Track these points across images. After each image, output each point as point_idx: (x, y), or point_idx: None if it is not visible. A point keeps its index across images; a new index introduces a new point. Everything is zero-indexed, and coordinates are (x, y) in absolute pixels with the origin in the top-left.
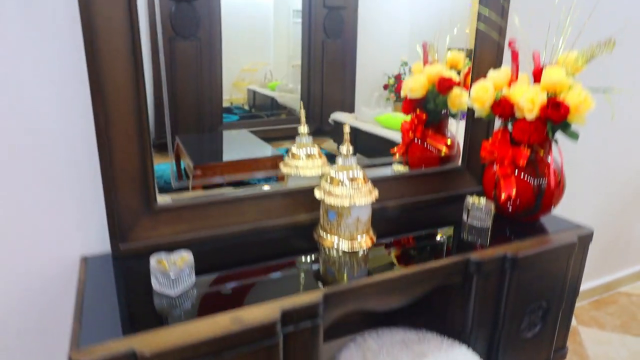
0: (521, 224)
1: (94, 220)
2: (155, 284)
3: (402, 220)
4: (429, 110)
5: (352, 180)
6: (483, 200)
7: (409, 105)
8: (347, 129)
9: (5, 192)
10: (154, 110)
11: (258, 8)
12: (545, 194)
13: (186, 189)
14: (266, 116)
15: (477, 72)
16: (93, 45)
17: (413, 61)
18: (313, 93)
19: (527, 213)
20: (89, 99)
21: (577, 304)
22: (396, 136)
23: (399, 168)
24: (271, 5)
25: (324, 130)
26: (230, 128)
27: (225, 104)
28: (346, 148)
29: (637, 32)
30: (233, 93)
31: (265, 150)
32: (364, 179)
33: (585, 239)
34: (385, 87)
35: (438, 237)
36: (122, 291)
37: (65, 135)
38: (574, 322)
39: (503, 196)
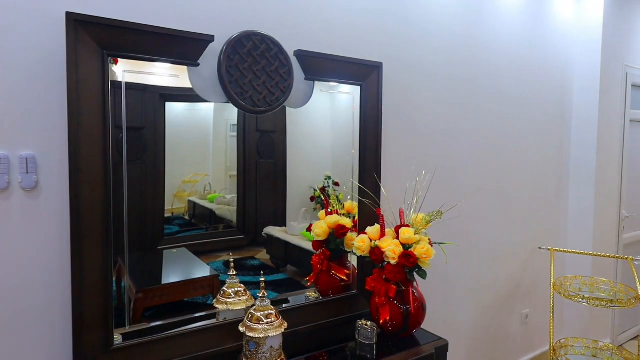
0: (398, 339)
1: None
2: None
3: (313, 339)
4: (331, 249)
5: (266, 317)
6: (369, 323)
7: (317, 244)
8: (262, 283)
9: None
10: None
11: (199, 122)
12: (410, 316)
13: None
14: (205, 229)
15: (362, 223)
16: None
17: (335, 175)
18: (248, 208)
19: (401, 331)
20: (64, 269)
21: None
22: None
23: (311, 294)
24: (211, 119)
25: (259, 241)
26: (171, 241)
27: (167, 214)
28: (262, 293)
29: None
30: (175, 203)
31: (203, 270)
32: (275, 315)
33: (442, 348)
34: (312, 199)
35: (334, 355)
36: None
37: (43, 298)
38: None
39: (381, 320)
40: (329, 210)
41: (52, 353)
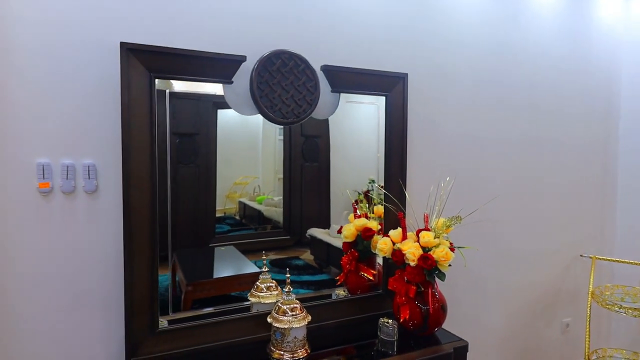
0: (419, 337)
1: (116, 340)
2: None
3: (341, 334)
4: (359, 250)
5: (291, 310)
6: (390, 320)
7: (346, 246)
8: (288, 279)
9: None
10: (159, 227)
11: (249, 127)
12: (429, 316)
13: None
14: (254, 229)
15: (387, 226)
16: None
17: (380, 179)
18: (294, 209)
19: (421, 330)
20: (119, 262)
21: None
22: None
23: (340, 292)
24: (260, 124)
25: (303, 242)
26: (222, 240)
27: (219, 214)
28: (287, 288)
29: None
30: (226, 204)
31: (248, 267)
32: (300, 309)
33: (462, 349)
34: (356, 203)
35: (360, 349)
36: None
37: (102, 286)
38: None
39: (401, 318)
40: (358, 213)
41: (107, 332)
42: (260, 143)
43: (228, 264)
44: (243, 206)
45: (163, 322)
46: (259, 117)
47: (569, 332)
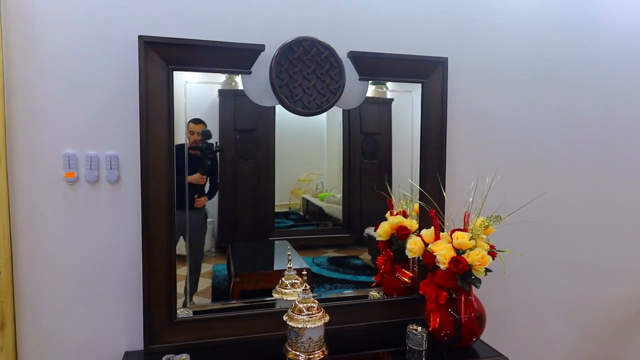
0: (452, 349)
1: (135, 329)
2: None
3: (370, 339)
4: (394, 250)
5: (308, 309)
6: (419, 328)
7: (381, 245)
8: (305, 275)
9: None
10: (218, 220)
11: (314, 123)
12: (462, 326)
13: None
14: (316, 225)
15: (422, 226)
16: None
17: (414, 174)
18: (353, 207)
19: (453, 341)
20: (140, 250)
21: None
22: None
23: (374, 294)
24: (324, 121)
25: (364, 241)
26: (282, 234)
27: (284, 209)
28: (304, 286)
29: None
30: (291, 199)
31: (298, 262)
32: (317, 308)
33: None
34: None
35: (382, 356)
36: None
37: (124, 273)
38: None
39: (430, 327)
40: (395, 211)
41: (130, 318)
42: (325, 139)
43: (279, 259)
44: (306, 202)
45: (183, 312)
46: (323, 115)
47: None
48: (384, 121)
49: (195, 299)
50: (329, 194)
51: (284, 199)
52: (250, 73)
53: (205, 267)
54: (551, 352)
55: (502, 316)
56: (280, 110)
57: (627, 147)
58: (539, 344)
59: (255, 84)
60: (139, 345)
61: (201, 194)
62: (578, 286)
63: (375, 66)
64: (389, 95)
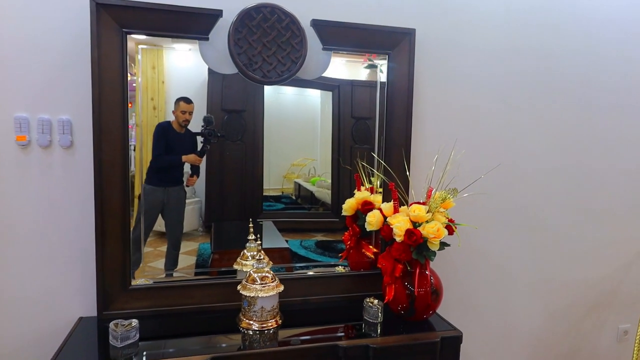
0: (408, 322)
1: (90, 294)
2: (111, 339)
3: (330, 312)
4: (360, 226)
5: (261, 279)
6: (376, 301)
7: (347, 220)
8: (259, 245)
9: (40, 270)
10: (205, 200)
11: (307, 107)
12: (416, 299)
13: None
14: (307, 209)
15: (386, 201)
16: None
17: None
18: (343, 192)
19: (408, 314)
20: (93, 219)
21: None
22: None
23: (339, 269)
24: (318, 105)
25: None
26: (270, 216)
27: (277, 193)
28: (259, 256)
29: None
30: (284, 184)
31: (279, 242)
32: (271, 278)
33: (451, 340)
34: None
35: (339, 329)
36: (95, 339)
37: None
38: None
39: (385, 299)
40: (363, 187)
41: (83, 284)
42: (319, 124)
43: (264, 240)
44: (298, 187)
45: (149, 282)
46: (317, 98)
47: (627, 341)
48: (375, 106)
49: (176, 274)
50: (320, 178)
51: (277, 182)
52: (207, 39)
53: (192, 245)
54: (519, 331)
55: (468, 292)
56: (269, 91)
57: (604, 115)
58: (504, 321)
59: (214, 50)
60: (93, 312)
61: (194, 173)
62: (549, 266)
63: (340, 35)
64: (382, 79)
